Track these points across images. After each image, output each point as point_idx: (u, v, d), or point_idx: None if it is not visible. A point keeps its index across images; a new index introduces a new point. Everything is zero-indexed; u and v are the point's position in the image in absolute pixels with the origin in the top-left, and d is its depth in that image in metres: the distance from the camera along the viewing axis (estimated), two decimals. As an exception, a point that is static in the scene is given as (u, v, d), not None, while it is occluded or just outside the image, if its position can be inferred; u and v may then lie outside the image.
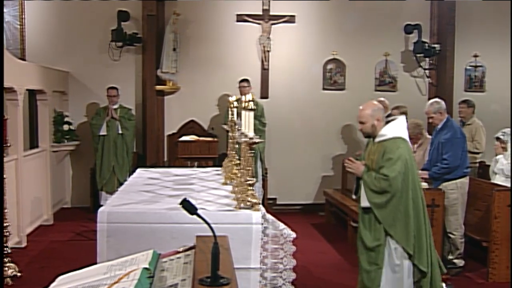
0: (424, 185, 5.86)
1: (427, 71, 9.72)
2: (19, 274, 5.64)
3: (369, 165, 4.29)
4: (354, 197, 4.50)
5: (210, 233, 1.88)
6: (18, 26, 9.02)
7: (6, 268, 5.51)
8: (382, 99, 8.33)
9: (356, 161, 4.35)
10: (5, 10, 8.91)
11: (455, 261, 6.11)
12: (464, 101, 7.84)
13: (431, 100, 6.40)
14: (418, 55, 9.51)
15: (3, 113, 4.67)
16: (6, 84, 6.55)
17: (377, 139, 4.29)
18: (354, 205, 7.46)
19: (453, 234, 6.04)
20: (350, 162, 4.33)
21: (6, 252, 5.55)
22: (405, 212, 4.16)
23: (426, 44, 9.40)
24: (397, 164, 4.10)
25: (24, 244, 6.91)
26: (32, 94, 8.45)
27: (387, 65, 9.65)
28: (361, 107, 4.40)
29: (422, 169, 6.07)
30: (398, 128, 4.32)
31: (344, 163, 4.18)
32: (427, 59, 9.66)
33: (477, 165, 7.74)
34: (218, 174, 5.66)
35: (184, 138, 8.45)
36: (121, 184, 6.68)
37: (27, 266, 6.09)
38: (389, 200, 4.12)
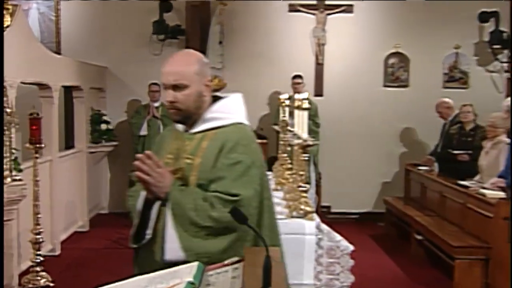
0: (500, 194, 5.69)
1: (505, 65, 9.42)
2: (51, 284, 5.75)
3: (183, 174, 2.56)
4: (133, 245, 2.66)
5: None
6: (53, 18, 9.23)
7: (39, 278, 5.62)
8: (446, 99, 8.19)
9: (161, 166, 2.46)
10: (38, 1, 9.14)
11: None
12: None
13: (510, 98, 6.21)
14: (495, 46, 9.23)
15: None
16: (40, 80, 6.72)
17: (202, 126, 2.63)
18: (418, 215, 7.35)
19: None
20: (149, 163, 2.41)
21: (38, 260, 5.66)
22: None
23: (504, 34, 9.11)
24: (251, 174, 2.51)
25: (57, 252, 7.04)
26: (68, 91, 8.62)
27: (457, 59, 9.41)
28: (172, 60, 2.61)
29: (499, 176, 5.88)
30: (235, 107, 2.76)
31: (136, 163, 2.43)
32: (505, 51, 9.34)
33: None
34: (268, 179, 5.61)
35: (230, 139, 8.46)
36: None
37: (60, 275, 6.19)
38: (232, 245, 2.40)
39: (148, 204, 2.54)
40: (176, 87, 2.55)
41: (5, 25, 5.37)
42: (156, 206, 2.51)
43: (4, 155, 4.99)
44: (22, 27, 6.02)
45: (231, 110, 2.71)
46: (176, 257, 2.37)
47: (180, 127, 2.71)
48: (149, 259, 2.53)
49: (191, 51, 2.74)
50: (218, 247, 2.37)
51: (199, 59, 2.64)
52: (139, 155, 2.42)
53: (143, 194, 2.53)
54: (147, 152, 2.43)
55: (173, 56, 2.64)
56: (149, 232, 2.55)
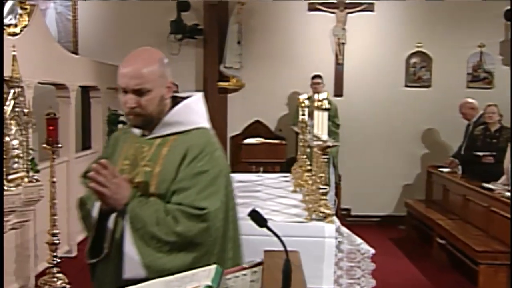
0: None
1: (530, 65, 9.31)
2: (68, 286, 5.78)
3: (145, 183, 2.40)
4: (89, 260, 2.48)
5: (278, 247, 1.84)
6: (71, 18, 9.30)
7: (55, 279, 5.66)
8: (470, 99, 8.11)
9: (118, 175, 2.32)
10: (56, 0, 9.22)
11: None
12: None
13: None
14: (521, 45, 9.11)
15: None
16: (58, 80, 6.77)
17: (162, 130, 2.47)
18: (440, 218, 7.28)
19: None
20: (105, 173, 2.26)
21: (55, 261, 5.70)
22: None
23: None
24: (217, 184, 2.37)
25: (74, 254, 7.08)
26: (85, 91, 8.68)
27: (482, 58, 9.31)
28: (132, 61, 2.42)
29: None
30: (197, 110, 2.58)
31: (91, 174, 2.28)
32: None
33: None
34: (287, 181, 5.61)
35: (248, 140, 8.47)
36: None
37: (76, 276, 6.23)
38: (197, 260, 2.26)
39: (103, 215, 2.38)
40: (138, 92, 2.37)
41: (22, 25, 5.43)
42: (112, 217, 2.36)
43: (21, 155, 5.03)
44: (39, 27, 6.08)
45: (192, 113, 2.53)
46: (136, 274, 2.23)
47: (136, 130, 2.54)
48: (108, 276, 2.40)
49: (151, 49, 2.51)
50: (182, 263, 2.22)
51: (161, 59, 2.46)
52: (93, 165, 2.27)
53: (98, 204, 2.37)
54: (102, 161, 2.28)
55: (132, 56, 2.44)
56: (106, 245, 2.39)
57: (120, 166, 2.46)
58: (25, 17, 5.51)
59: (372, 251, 3.77)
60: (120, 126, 8.82)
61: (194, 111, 2.54)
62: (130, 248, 2.25)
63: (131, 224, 2.26)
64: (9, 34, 5.19)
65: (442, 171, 8.15)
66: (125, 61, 2.42)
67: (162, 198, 2.33)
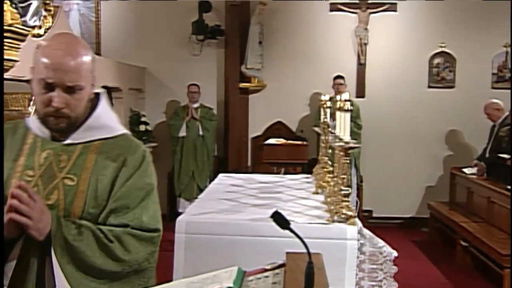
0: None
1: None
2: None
3: (59, 202, 1.96)
4: None
5: (300, 249, 1.83)
6: (93, 19, 9.39)
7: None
8: (496, 100, 8.02)
9: (37, 199, 1.82)
10: (79, 2, 9.31)
11: None
12: None
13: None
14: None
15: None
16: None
17: (85, 136, 2.06)
18: (464, 221, 7.22)
19: None
20: (27, 201, 1.78)
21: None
22: None
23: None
24: (157, 200, 2.13)
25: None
26: (107, 92, 8.73)
27: (507, 58, 9.20)
28: (63, 51, 1.93)
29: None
30: (111, 114, 2.21)
31: (13, 202, 1.79)
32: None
33: None
34: (308, 182, 5.60)
35: (270, 141, 8.46)
36: (200, 190, 6.92)
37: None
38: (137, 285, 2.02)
39: (6, 244, 1.85)
40: (69, 89, 1.95)
41: (46, 27, 5.49)
42: (17, 247, 1.88)
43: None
44: (63, 29, 6.13)
45: (112, 115, 2.17)
46: None
47: (41, 132, 2.07)
48: None
49: (77, 37, 2.10)
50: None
51: (89, 49, 2.05)
52: (15, 191, 1.76)
53: None
54: (22, 183, 1.80)
55: (61, 44, 1.96)
56: (6, 283, 1.92)
57: (23, 177, 1.99)
58: (49, 19, 5.57)
59: (395, 253, 3.75)
60: (141, 127, 8.88)
61: (112, 113, 2.19)
62: (62, 285, 1.84)
63: (62, 257, 1.86)
64: (33, 36, 5.24)
65: (465, 173, 8.07)
66: (54, 48, 1.95)
67: (91, 219, 1.97)
